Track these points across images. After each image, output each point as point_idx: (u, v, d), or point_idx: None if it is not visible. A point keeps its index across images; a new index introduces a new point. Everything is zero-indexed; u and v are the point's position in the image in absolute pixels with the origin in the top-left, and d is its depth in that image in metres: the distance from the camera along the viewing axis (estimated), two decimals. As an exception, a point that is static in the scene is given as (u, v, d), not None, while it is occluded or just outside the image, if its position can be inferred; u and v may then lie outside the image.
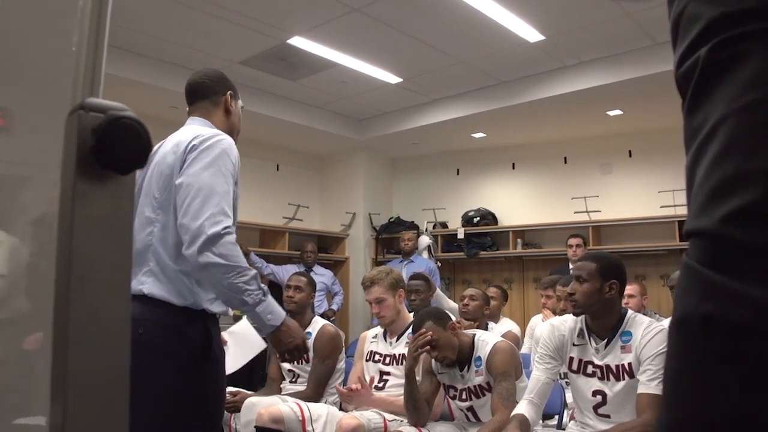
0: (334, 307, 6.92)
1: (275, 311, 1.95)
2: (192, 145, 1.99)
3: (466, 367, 3.07)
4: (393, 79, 5.99)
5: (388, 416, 3.18)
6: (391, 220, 7.79)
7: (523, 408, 2.68)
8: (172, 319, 1.93)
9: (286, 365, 3.87)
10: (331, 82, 6.07)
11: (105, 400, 0.63)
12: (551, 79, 5.68)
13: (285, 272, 6.70)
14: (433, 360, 3.08)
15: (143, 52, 5.39)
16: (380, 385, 3.43)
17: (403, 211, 7.90)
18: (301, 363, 3.79)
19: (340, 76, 5.93)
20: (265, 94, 6.34)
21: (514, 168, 7.43)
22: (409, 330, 3.48)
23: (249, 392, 3.71)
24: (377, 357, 3.52)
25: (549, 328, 2.87)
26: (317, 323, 3.89)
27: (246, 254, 6.34)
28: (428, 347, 2.91)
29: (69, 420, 0.58)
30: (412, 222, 7.65)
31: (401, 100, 6.61)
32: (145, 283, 1.97)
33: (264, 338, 2.20)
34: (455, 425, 3.12)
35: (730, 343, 0.47)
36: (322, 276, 6.88)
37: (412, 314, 4.13)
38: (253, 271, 1.92)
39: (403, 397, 3.09)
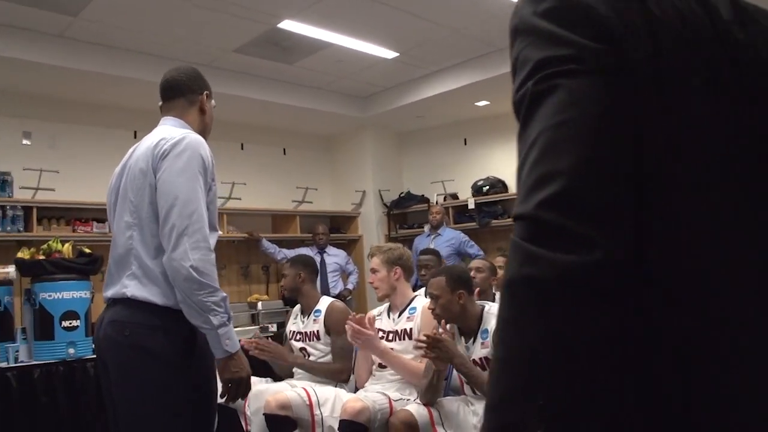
0: (350, 286, 6.95)
1: (233, 339, 2.00)
2: (163, 150, 2.00)
3: (472, 339, 3.09)
4: (389, 54, 5.94)
5: (394, 396, 3.21)
6: (401, 195, 7.77)
7: None
8: (157, 319, 1.97)
9: (297, 344, 3.91)
10: (328, 62, 6.04)
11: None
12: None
13: (296, 255, 6.74)
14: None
15: (140, 49, 5.40)
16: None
17: (412, 185, 7.87)
18: (313, 340, 3.83)
19: (336, 56, 5.89)
20: (264, 80, 6.33)
21: (521, 134, 7.34)
22: (410, 306, 3.50)
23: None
24: (381, 334, 3.54)
25: None
26: (325, 301, 3.95)
27: (257, 241, 6.40)
28: (431, 354, 2.92)
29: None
30: (423, 195, 7.63)
31: (401, 74, 6.56)
32: (128, 286, 2.00)
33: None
34: (462, 400, 3.13)
35: (542, 294, 0.65)
36: (335, 256, 6.90)
37: (422, 289, 4.15)
38: (224, 294, 1.97)
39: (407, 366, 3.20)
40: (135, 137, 6.28)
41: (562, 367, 0.64)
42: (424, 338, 2.91)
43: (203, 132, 2.27)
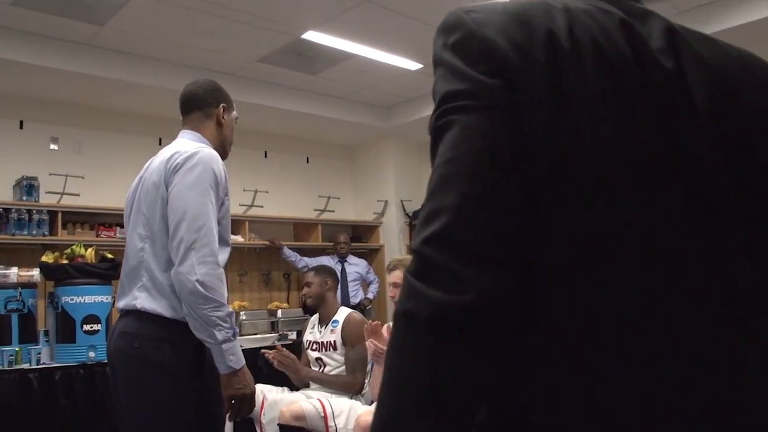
0: (370, 296, 6.95)
1: (239, 355, 1.99)
2: (176, 164, 2.03)
3: None
4: (413, 65, 5.95)
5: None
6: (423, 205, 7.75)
7: None
8: (166, 332, 1.98)
9: (313, 354, 3.92)
10: (352, 72, 6.07)
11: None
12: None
13: (319, 264, 6.76)
14: None
15: (165, 58, 5.48)
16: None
17: (435, 195, 7.85)
18: (329, 350, 3.84)
19: (359, 66, 5.92)
20: (287, 89, 6.37)
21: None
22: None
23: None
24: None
25: None
26: (343, 312, 3.96)
27: (279, 249, 6.43)
28: None
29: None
30: (445, 206, 7.60)
31: (425, 85, 6.56)
32: (138, 298, 2.02)
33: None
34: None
35: (416, 329, 0.66)
36: (356, 266, 6.91)
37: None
38: (231, 310, 1.98)
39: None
40: (160, 144, 6.35)
41: (427, 404, 0.66)
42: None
43: (223, 144, 2.29)
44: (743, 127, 0.83)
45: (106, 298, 4.39)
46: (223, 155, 2.30)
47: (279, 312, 6.03)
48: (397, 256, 7.57)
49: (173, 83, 5.49)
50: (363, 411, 3.11)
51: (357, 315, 3.93)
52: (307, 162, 7.66)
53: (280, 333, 5.87)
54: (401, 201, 7.73)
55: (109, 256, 4.62)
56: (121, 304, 2.11)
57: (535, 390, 0.71)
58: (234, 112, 2.38)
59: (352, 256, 7.00)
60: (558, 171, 0.71)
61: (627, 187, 0.73)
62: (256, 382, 2.19)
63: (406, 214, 7.75)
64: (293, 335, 6.08)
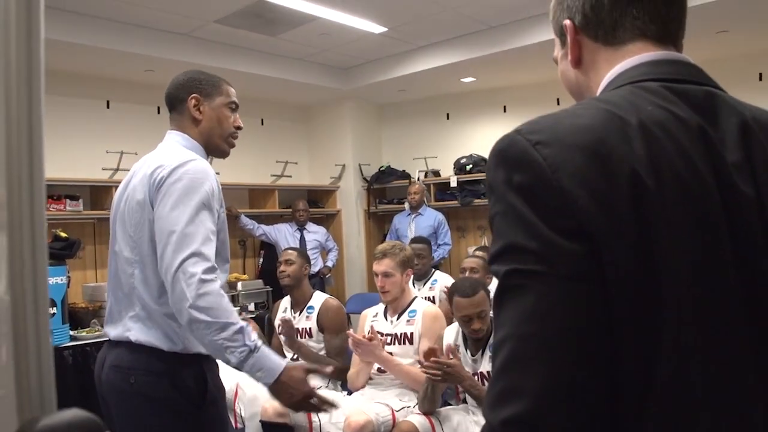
0: (329, 263, 6.83)
1: (267, 367, 1.76)
2: (160, 179, 1.81)
3: (480, 352, 3.00)
4: (377, 28, 5.72)
5: (396, 405, 3.12)
6: (381, 169, 7.62)
7: None
8: (163, 365, 1.80)
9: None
10: (313, 35, 5.80)
11: None
12: (542, 24, 5.44)
13: (277, 231, 6.58)
14: (453, 337, 3.05)
15: (115, 17, 5.08)
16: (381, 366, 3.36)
17: (393, 160, 7.72)
18: (304, 338, 3.72)
19: (321, 29, 5.65)
20: (244, 50, 6.06)
21: (505, 111, 7.22)
22: (410, 308, 3.39)
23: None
24: (379, 336, 3.44)
25: None
26: (318, 297, 3.83)
27: (235, 217, 6.21)
28: (438, 377, 2.82)
29: None
30: (404, 171, 7.49)
31: (387, 48, 6.35)
32: (131, 329, 1.84)
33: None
34: (463, 410, 3.06)
35: None
36: (315, 233, 6.76)
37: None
38: (239, 325, 1.74)
39: (409, 376, 3.08)
40: (108, 107, 6.00)
41: None
42: (432, 362, 2.80)
43: (210, 140, 2.04)
44: None
45: (61, 280, 4.16)
46: (219, 152, 2.08)
47: (239, 284, 5.84)
48: (359, 222, 7.48)
49: (123, 45, 5.15)
50: (352, 411, 3.00)
51: (334, 301, 3.81)
52: (262, 124, 7.39)
53: (241, 305, 5.71)
54: (359, 165, 7.56)
55: (63, 234, 4.35)
56: (112, 333, 1.91)
57: None
58: (221, 98, 2.06)
59: (311, 223, 6.83)
60: (640, 336, 0.68)
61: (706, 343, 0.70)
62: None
63: (364, 179, 7.60)
64: (251, 306, 5.95)
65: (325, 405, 1.87)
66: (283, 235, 6.56)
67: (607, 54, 0.88)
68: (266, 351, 1.78)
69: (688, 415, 0.68)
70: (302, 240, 6.55)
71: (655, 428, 0.68)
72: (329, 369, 2.13)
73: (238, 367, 1.74)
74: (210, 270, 1.75)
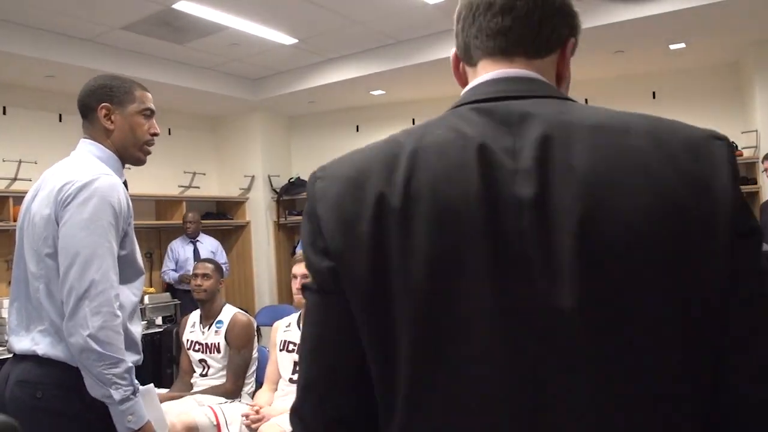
0: (220, 276, 6.70)
1: (138, 414, 1.75)
2: (67, 196, 1.76)
3: None
4: (288, 40, 5.73)
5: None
6: (291, 181, 7.60)
7: None
8: (70, 379, 1.75)
9: (196, 355, 3.72)
10: (222, 44, 5.75)
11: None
12: (449, 39, 5.58)
13: (176, 253, 6.42)
14: None
15: (13, 19, 4.87)
16: (294, 376, 3.35)
17: (303, 171, 7.72)
18: (213, 353, 3.66)
19: (231, 39, 5.61)
20: (151, 58, 5.93)
21: (414, 123, 7.34)
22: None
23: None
24: (291, 347, 3.42)
25: None
26: (228, 312, 3.75)
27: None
28: None
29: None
30: (314, 182, 7.49)
31: (297, 59, 6.36)
32: (39, 343, 1.78)
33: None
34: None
35: None
36: (208, 245, 6.60)
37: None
38: (129, 364, 1.74)
39: None
40: (4, 113, 5.74)
41: None
42: None
43: (123, 149, 1.98)
44: (603, 249, 0.70)
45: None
46: (134, 161, 2.01)
47: (146, 298, 5.69)
48: (269, 234, 7.42)
49: (21, 48, 4.95)
50: (266, 425, 2.98)
51: (243, 316, 3.74)
52: (170, 134, 7.22)
53: (148, 320, 5.55)
54: (269, 176, 7.52)
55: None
56: (17, 347, 1.84)
57: None
58: (133, 105, 1.98)
59: (203, 234, 6.66)
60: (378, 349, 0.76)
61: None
62: None
63: (274, 190, 7.56)
64: (159, 320, 5.78)
65: None
66: (183, 251, 6.42)
67: (471, 75, 0.93)
68: (140, 401, 1.79)
69: (429, 420, 0.74)
70: (196, 252, 6.39)
71: None
72: None
73: (117, 403, 1.72)
74: (112, 300, 1.73)
